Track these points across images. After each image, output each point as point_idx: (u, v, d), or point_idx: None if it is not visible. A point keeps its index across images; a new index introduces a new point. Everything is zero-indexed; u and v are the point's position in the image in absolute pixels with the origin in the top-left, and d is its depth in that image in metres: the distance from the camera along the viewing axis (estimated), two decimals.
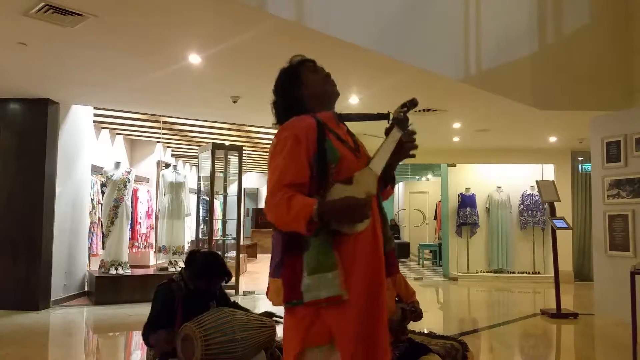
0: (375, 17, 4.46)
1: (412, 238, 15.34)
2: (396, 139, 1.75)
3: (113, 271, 6.94)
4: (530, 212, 10.05)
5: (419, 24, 4.92)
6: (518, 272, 10.07)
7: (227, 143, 8.59)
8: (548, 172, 10.09)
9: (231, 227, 8.50)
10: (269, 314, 2.84)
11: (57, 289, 6.51)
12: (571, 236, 9.58)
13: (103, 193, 7.60)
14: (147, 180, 10.18)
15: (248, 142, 9.99)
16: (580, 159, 10.03)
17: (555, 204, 6.85)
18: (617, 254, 6.15)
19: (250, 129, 8.76)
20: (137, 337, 5.33)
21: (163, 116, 7.84)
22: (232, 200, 8.44)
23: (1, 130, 6.35)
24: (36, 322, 5.65)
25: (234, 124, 8.30)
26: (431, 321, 6.11)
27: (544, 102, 6.08)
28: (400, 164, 1.87)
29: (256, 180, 18.50)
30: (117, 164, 7.38)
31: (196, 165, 11.00)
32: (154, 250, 9.47)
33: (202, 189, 8.36)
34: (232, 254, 8.34)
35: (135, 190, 8.84)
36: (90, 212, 7.56)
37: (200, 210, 8.45)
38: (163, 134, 9.21)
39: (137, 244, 9.00)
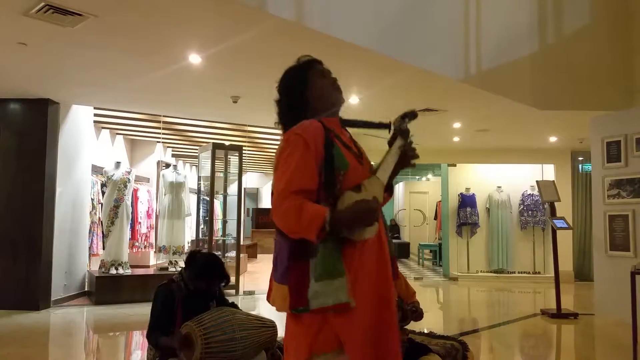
0: (375, 17, 4.46)
1: (412, 238, 15.33)
2: (399, 148, 1.79)
3: (113, 271, 6.94)
4: (530, 212, 10.05)
5: (419, 24, 4.92)
6: (518, 272, 10.06)
7: (227, 143, 8.59)
8: (548, 172, 10.09)
9: (231, 227, 8.50)
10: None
11: (57, 288, 6.52)
12: (571, 236, 9.58)
13: (103, 193, 7.60)
14: (148, 180, 10.19)
15: (248, 142, 9.99)
16: (580, 159, 10.03)
17: (556, 204, 6.85)
18: (618, 254, 6.14)
19: (250, 129, 8.77)
20: (137, 336, 5.33)
21: (163, 116, 7.84)
22: (232, 200, 8.43)
23: (1, 130, 6.36)
24: (36, 322, 5.66)
25: (234, 124, 8.30)
26: (431, 321, 6.11)
27: (544, 102, 6.08)
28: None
29: (256, 180, 18.50)
30: (118, 164, 7.39)
31: (196, 165, 11.00)
32: (154, 250, 9.47)
33: (202, 189, 8.36)
34: (232, 254, 8.33)
35: (135, 190, 8.85)
36: (90, 212, 7.56)
37: (201, 210, 8.45)
38: (163, 134, 9.21)
39: (137, 243, 9.01)
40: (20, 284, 6.16)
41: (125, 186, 7.20)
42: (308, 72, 1.84)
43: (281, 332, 3.07)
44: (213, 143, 7.97)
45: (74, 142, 6.98)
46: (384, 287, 1.69)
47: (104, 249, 7.33)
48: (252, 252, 14.04)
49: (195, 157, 10.90)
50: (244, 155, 8.54)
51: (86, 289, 7.21)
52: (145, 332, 2.76)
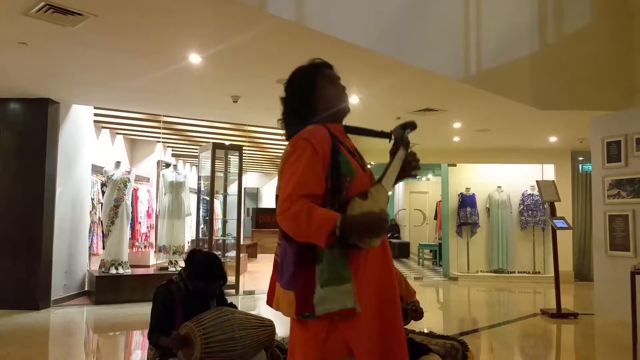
0: (375, 17, 4.46)
1: (412, 238, 15.33)
2: (402, 159, 1.81)
3: (113, 271, 6.95)
4: (530, 212, 10.05)
5: (419, 24, 4.92)
6: (518, 272, 10.06)
7: (227, 143, 8.59)
8: (548, 172, 10.09)
9: (231, 226, 8.50)
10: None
11: (57, 288, 6.52)
12: (571, 236, 9.58)
13: (103, 193, 7.60)
14: (148, 180, 10.19)
15: (248, 141, 10.00)
16: (580, 158, 10.03)
17: (556, 203, 6.85)
18: (618, 253, 6.14)
19: (250, 128, 8.77)
20: (137, 336, 5.33)
21: (163, 116, 7.84)
22: (232, 200, 8.43)
23: (1, 130, 6.36)
24: (36, 321, 5.66)
25: (234, 123, 8.30)
26: (431, 321, 6.11)
27: (544, 102, 6.08)
28: None
29: (256, 180, 18.50)
30: (118, 164, 7.39)
31: (196, 165, 11.00)
32: (154, 249, 9.47)
33: (202, 188, 8.37)
34: (232, 253, 8.34)
35: (135, 190, 8.85)
36: (90, 212, 7.56)
37: (201, 210, 8.45)
38: (163, 133, 9.21)
39: (137, 243, 9.01)
40: (20, 283, 6.16)
41: (125, 186, 7.21)
42: (317, 76, 1.83)
43: (280, 332, 3.07)
44: (213, 143, 7.98)
45: (74, 142, 6.98)
46: (389, 291, 1.71)
47: (104, 248, 7.33)
48: (252, 251, 14.04)
49: (196, 156, 10.91)
50: (244, 155, 8.53)
51: (86, 289, 7.21)
52: (145, 332, 2.76)
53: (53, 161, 6.45)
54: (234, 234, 8.34)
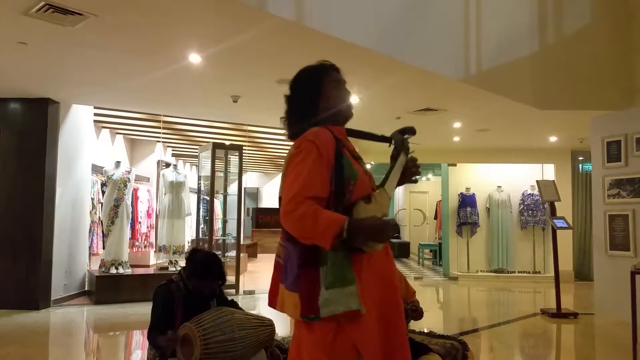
0: (375, 17, 4.45)
1: (413, 238, 15.33)
2: (403, 164, 1.84)
3: (113, 270, 6.95)
4: (530, 211, 10.05)
5: (419, 23, 4.92)
6: (518, 272, 10.06)
7: (227, 142, 8.59)
8: (548, 171, 10.09)
9: (231, 226, 8.50)
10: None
11: (57, 288, 6.52)
12: (571, 236, 9.58)
13: (103, 192, 7.60)
14: (148, 179, 10.19)
15: (248, 141, 9.99)
16: (580, 158, 10.03)
17: (556, 203, 6.85)
18: (618, 253, 6.14)
19: (250, 128, 8.77)
20: (137, 336, 5.33)
21: (163, 116, 7.84)
22: (232, 199, 8.44)
23: (1, 130, 6.35)
24: (36, 321, 5.66)
25: (234, 123, 8.30)
26: (431, 321, 6.11)
27: (544, 102, 6.08)
28: None
29: (256, 179, 18.50)
30: (118, 164, 7.39)
31: (196, 165, 11.00)
32: (154, 249, 9.48)
33: (202, 188, 8.37)
34: (233, 253, 8.34)
35: (135, 190, 8.85)
36: (90, 212, 7.57)
37: (201, 210, 8.45)
38: (163, 133, 9.21)
39: (137, 243, 9.01)
40: (20, 283, 6.16)
41: (125, 186, 7.21)
42: (323, 78, 1.83)
43: (280, 331, 3.07)
44: (213, 143, 7.98)
45: (74, 142, 6.98)
46: (391, 292, 1.73)
47: (104, 248, 7.34)
48: (252, 251, 14.05)
49: (196, 156, 10.91)
50: (244, 154, 8.53)
51: (86, 289, 7.21)
52: (145, 331, 2.76)
53: (53, 161, 6.45)
54: (234, 234, 8.34)
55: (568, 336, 5.86)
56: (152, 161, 10.55)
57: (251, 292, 7.81)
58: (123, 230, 7.17)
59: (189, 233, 9.26)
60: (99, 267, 7.12)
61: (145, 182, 9.97)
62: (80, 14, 3.76)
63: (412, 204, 15.68)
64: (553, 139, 8.86)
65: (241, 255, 8.53)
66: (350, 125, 1.92)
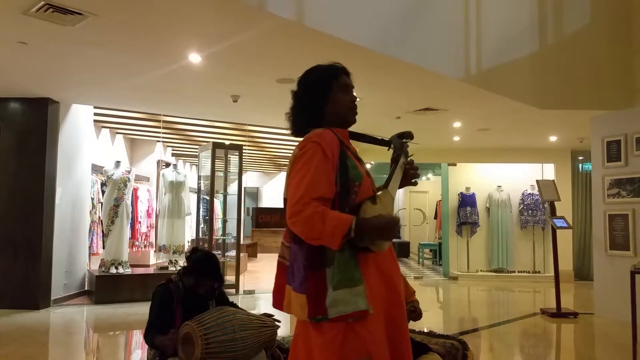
0: (375, 17, 4.45)
1: (413, 237, 15.34)
2: (403, 166, 1.88)
3: (113, 270, 6.95)
4: (530, 211, 10.05)
5: (419, 23, 4.92)
6: (518, 272, 10.07)
7: (227, 142, 8.59)
8: (548, 171, 10.09)
9: (231, 226, 8.50)
10: (268, 315, 2.85)
11: (57, 288, 6.52)
12: (571, 235, 9.58)
13: (103, 192, 7.60)
14: (148, 179, 10.19)
15: (248, 141, 10.00)
16: (580, 158, 10.03)
17: (556, 203, 6.85)
18: (617, 253, 6.15)
19: (250, 128, 8.77)
20: (137, 336, 5.33)
21: (163, 115, 7.84)
22: (232, 199, 8.44)
23: (1, 130, 6.35)
24: (36, 321, 5.66)
25: (234, 123, 8.30)
26: (431, 320, 6.11)
27: (545, 102, 6.08)
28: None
29: (256, 179, 18.50)
30: (117, 163, 7.39)
31: (196, 165, 11.00)
32: (154, 249, 9.48)
33: (202, 188, 8.37)
34: (233, 253, 8.34)
35: (135, 190, 8.85)
36: (90, 211, 7.57)
37: (201, 210, 8.45)
38: (163, 133, 9.21)
39: (137, 243, 9.01)
40: (20, 283, 6.16)
41: (125, 185, 7.21)
42: (332, 80, 1.83)
43: (280, 331, 3.07)
44: (213, 142, 7.98)
45: (74, 141, 6.98)
46: (396, 293, 1.74)
47: (104, 248, 7.33)
48: (252, 251, 14.05)
49: (196, 156, 10.91)
50: (244, 154, 8.54)
51: (86, 288, 7.21)
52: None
53: (53, 161, 6.45)
54: (234, 234, 8.34)
55: (568, 336, 5.86)
56: (152, 161, 10.55)
57: (251, 292, 7.81)
58: (123, 230, 7.17)
59: (188, 233, 9.26)
60: (99, 267, 7.12)
61: (145, 182, 9.97)
62: (80, 14, 3.76)
63: (412, 204, 15.68)
64: (553, 138, 8.87)
65: (241, 255, 8.53)
66: (351, 128, 1.93)
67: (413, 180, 1.92)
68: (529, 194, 10.10)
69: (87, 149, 7.38)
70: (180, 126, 8.75)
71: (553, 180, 7.31)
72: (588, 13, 6.25)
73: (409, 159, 1.90)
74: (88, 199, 7.50)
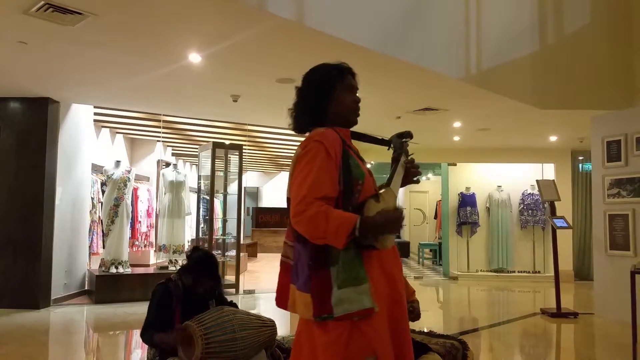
0: (375, 17, 4.45)
1: (412, 237, 15.33)
2: (404, 165, 1.90)
3: (113, 270, 6.95)
4: (530, 211, 10.05)
5: (420, 23, 4.92)
6: (518, 272, 10.07)
7: (227, 142, 8.59)
8: (548, 171, 10.09)
9: (231, 226, 8.50)
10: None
11: (57, 287, 6.52)
12: (571, 235, 9.58)
13: (103, 192, 7.60)
14: (148, 179, 10.19)
15: (248, 141, 9.99)
16: (580, 158, 10.03)
17: (556, 203, 6.85)
18: (617, 253, 6.15)
19: (250, 127, 8.77)
20: (137, 335, 5.33)
21: (163, 115, 7.84)
22: (232, 199, 8.44)
23: (1, 129, 6.35)
24: (36, 320, 5.66)
25: (234, 122, 8.30)
26: (431, 320, 6.11)
27: (545, 102, 6.08)
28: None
29: (256, 179, 18.50)
30: (117, 163, 7.39)
31: (196, 164, 11.00)
32: (154, 249, 9.48)
33: (202, 187, 8.37)
34: (233, 252, 8.34)
35: (135, 189, 8.85)
36: (90, 211, 7.56)
37: (201, 209, 8.45)
38: (163, 133, 9.21)
39: (137, 242, 9.01)
40: (20, 282, 6.16)
41: (125, 185, 7.21)
42: (337, 80, 1.83)
43: (280, 331, 3.07)
44: (213, 142, 7.98)
45: (74, 141, 6.98)
46: (398, 292, 1.75)
47: (104, 247, 7.34)
48: (252, 251, 14.05)
49: (196, 156, 10.91)
50: (244, 154, 8.54)
51: (86, 288, 7.21)
52: None
53: (53, 160, 6.45)
54: (234, 233, 8.34)
55: (568, 336, 5.86)
56: (152, 160, 10.54)
57: (251, 292, 7.81)
58: (123, 230, 7.17)
59: (189, 232, 9.26)
60: (99, 267, 7.12)
61: (145, 182, 9.97)
62: (80, 13, 3.76)
63: (412, 204, 15.68)
64: (553, 138, 8.86)
65: (241, 254, 8.53)
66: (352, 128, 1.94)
67: (415, 178, 1.94)
68: (529, 193, 10.09)
69: (87, 148, 7.38)
70: (180, 126, 8.75)
71: (553, 180, 7.31)
72: (588, 13, 6.24)
73: (409, 157, 1.92)
74: (88, 198, 7.50)
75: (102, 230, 7.50)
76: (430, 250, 13.78)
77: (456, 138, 8.80)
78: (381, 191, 1.76)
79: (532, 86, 5.96)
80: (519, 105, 6.06)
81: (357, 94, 1.90)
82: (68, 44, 4.44)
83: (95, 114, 7.61)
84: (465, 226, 10.25)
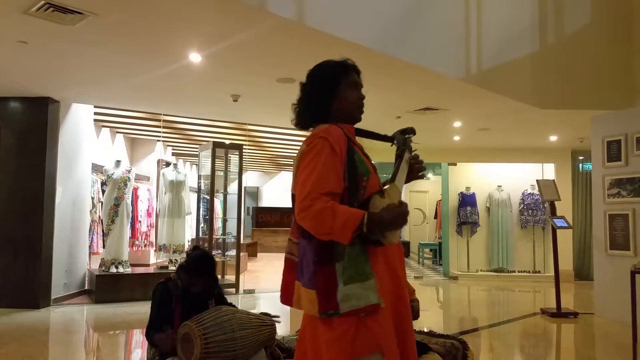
0: (375, 16, 4.45)
1: (413, 237, 15.33)
2: (408, 161, 1.90)
3: (113, 269, 6.95)
4: (530, 211, 10.05)
5: (420, 23, 4.92)
6: (518, 271, 10.07)
7: (227, 141, 8.59)
8: (549, 171, 10.09)
9: (231, 225, 8.50)
10: (266, 314, 2.86)
11: (57, 287, 6.52)
12: (571, 235, 9.58)
13: (103, 192, 7.60)
14: (148, 178, 10.18)
15: (248, 140, 9.99)
16: (580, 158, 10.03)
17: (556, 203, 6.85)
18: (618, 253, 6.15)
19: (250, 127, 8.77)
20: (137, 335, 5.34)
21: (163, 115, 7.84)
22: (232, 198, 8.44)
23: (1, 129, 6.35)
24: (37, 320, 5.66)
25: (234, 122, 8.30)
26: (431, 320, 6.12)
27: (545, 101, 6.08)
28: None
29: (257, 179, 18.50)
30: (118, 163, 7.39)
31: (196, 164, 11.00)
32: (154, 248, 9.47)
33: (202, 187, 8.37)
34: (233, 252, 8.34)
35: (135, 189, 8.85)
36: (90, 211, 7.56)
37: (201, 209, 8.45)
38: (163, 132, 9.21)
39: (137, 242, 9.00)
40: (21, 282, 6.16)
41: (126, 185, 7.21)
42: (342, 77, 1.83)
43: (280, 330, 3.07)
44: (213, 142, 7.98)
45: (74, 141, 6.98)
46: (401, 288, 1.76)
47: (104, 247, 7.34)
48: (252, 250, 14.05)
49: (196, 155, 10.90)
50: (244, 153, 8.54)
51: (86, 288, 7.21)
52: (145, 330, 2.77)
53: (53, 160, 6.45)
54: (234, 233, 8.34)
55: (568, 336, 5.86)
56: (152, 160, 10.54)
57: (251, 291, 7.81)
58: (123, 229, 7.17)
59: (189, 232, 9.26)
60: (99, 266, 7.13)
61: (146, 181, 9.96)
62: (80, 13, 3.76)
63: (412, 203, 15.66)
64: (553, 138, 8.86)
65: (241, 254, 8.53)
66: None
67: (420, 174, 1.93)
68: (529, 193, 10.09)
69: (87, 148, 7.38)
70: (180, 125, 8.76)
71: (553, 180, 7.31)
72: (588, 13, 6.24)
73: (413, 153, 1.92)
74: (88, 198, 7.50)
75: (102, 230, 7.50)
76: (430, 250, 13.78)
77: (456, 138, 8.80)
78: (385, 187, 1.76)
79: (532, 86, 5.96)
80: (519, 105, 6.06)
81: None
82: (68, 43, 4.44)
83: (96, 113, 7.61)
84: (466, 226, 10.25)
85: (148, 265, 9.75)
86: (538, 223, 10.01)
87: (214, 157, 7.79)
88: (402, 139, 1.93)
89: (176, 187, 7.97)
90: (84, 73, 5.43)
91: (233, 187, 8.48)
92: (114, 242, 7.07)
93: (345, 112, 1.83)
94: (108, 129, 9.12)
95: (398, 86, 5.64)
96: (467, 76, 5.32)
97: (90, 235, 7.52)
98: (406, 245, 14.82)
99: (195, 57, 4.75)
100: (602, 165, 6.41)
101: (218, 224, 9.41)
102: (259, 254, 14.58)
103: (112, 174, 7.20)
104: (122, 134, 9.81)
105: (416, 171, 1.92)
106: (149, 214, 9.47)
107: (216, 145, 7.89)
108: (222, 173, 8.22)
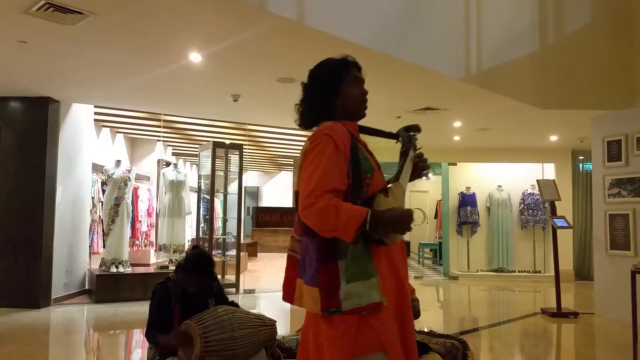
0: (375, 16, 4.45)
1: (413, 237, 15.29)
2: (413, 159, 1.89)
3: (114, 269, 6.95)
4: (530, 211, 10.05)
5: (420, 23, 4.92)
6: (518, 271, 10.06)
7: (227, 141, 8.59)
8: (549, 171, 10.09)
9: (232, 225, 8.50)
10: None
11: (57, 287, 6.52)
12: (572, 235, 9.58)
13: (104, 191, 7.60)
14: (148, 178, 10.19)
15: (249, 140, 9.99)
16: (581, 158, 10.03)
17: (556, 203, 6.85)
18: (618, 253, 6.15)
19: (251, 127, 8.77)
20: (137, 335, 5.34)
21: (164, 114, 7.84)
22: (232, 198, 8.44)
23: (2, 129, 6.35)
24: (37, 320, 5.66)
25: (234, 122, 8.30)
26: (431, 320, 6.12)
27: (545, 101, 6.08)
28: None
29: (257, 178, 18.51)
30: (118, 163, 7.39)
31: (197, 164, 11.00)
32: (154, 248, 9.47)
33: (202, 187, 8.37)
34: (233, 252, 8.34)
35: (135, 189, 8.85)
36: (90, 211, 7.56)
37: (201, 209, 8.46)
38: (164, 132, 9.21)
39: (137, 242, 9.00)
40: (21, 282, 6.16)
41: (126, 184, 7.21)
42: (344, 73, 1.83)
43: (281, 330, 3.08)
44: (213, 141, 7.98)
45: (75, 141, 6.98)
46: (402, 286, 1.76)
47: (104, 247, 7.34)
48: (253, 250, 14.05)
49: (196, 155, 10.90)
50: (244, 153, 8.54)
51: (86, 287, 7.22)
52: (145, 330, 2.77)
53: (53, 160, 6.46)
54: (234, 233, 8.34)
55: (568, 336, 5.86)
56: (153, 160, 10.54)
57: (251, 291, 7.81)
58: (123, 229, 7.18)
59: (189, 232, 9.26)
60: (99, 266, 7.13)
61: (146, 181, 9.97)
62: (80, 13, 3.76)
63: (412, 203, 15.65)
64: (553, 138, 8.86)
65: (241, 254, 8.54)
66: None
67: (424, 173, 1.92)
68: (530, 193, 10.09)
69: (87, 148, 7.38)
70: (180, 125, 8.76)
71: (553, 180, 7.31)
72: (588, 13, 6.24)
73: (417, 151, 1.90)
74: (88, 198, 7.50)
75: (103, 230, 7.50)
76: (431, 250, 13.77)
77: (456, 138, 8.80)
78: (390, 185, 1.75)
79: (532, 86, 5.96)
80: (519, 105, 6.05)
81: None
82: (68, 43, 4.44)
83: (96, 113, 7.61)
84: (466, 226, 10.25)
85: (148, 265, 9.75)
86: (538, 223, 10.01)
87: (214, 157, 7.79)
88: (407, 136, 1.91)
89: (176, 187, 7.97)
90: (84, 73, 5.43)
91: (233, 187, 8.48)
92: (114, 242, 7.08)
93: (348, 108, 1.83)
94: (108, 128, 9.12)
95: (398, 86, 5.64)
96: (467, 76, 5.32)
97: (90, 235, 7.52)
98: (406, 244, 14.79)
99: (195, 57, 4.75)
100: (603, 165, 6.41)
101: (218, 223, 9.41)
102: (259, 254, 14.59)
103: (113, 174, 7.20)
104: (122, 134, 9.81)
105: (420, 170, 1.91)
106: (149, 214, 9.47)
107: (216, 145, 7.90)
108: (222, 173, 8.22)
